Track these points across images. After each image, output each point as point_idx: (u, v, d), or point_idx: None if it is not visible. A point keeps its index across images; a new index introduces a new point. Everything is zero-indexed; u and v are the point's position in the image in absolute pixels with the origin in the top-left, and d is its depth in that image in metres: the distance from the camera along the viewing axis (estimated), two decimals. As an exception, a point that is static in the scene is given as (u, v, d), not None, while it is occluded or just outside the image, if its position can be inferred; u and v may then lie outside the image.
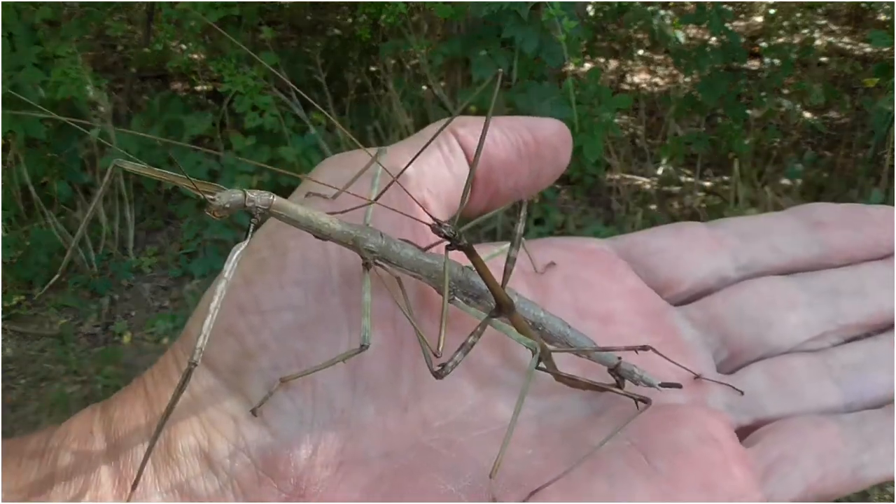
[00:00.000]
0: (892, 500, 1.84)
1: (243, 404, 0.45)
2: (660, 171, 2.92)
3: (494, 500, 0.43)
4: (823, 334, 0.55)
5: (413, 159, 0.51)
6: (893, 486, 1.97)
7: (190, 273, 2.61)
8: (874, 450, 0.49)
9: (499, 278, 0.50)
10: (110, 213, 2.70)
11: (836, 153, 2.98)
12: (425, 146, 0.52)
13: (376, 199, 0.50)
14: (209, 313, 0.40)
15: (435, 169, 0.54)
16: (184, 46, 3.25)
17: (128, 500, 0.42)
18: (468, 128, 0.56)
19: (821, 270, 0.58)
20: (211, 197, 0.43)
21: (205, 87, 3.27)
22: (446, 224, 0.46)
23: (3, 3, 2.37)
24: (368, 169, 0.52)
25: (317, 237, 0.47)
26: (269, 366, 0.46)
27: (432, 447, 0.47)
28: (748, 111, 2.91)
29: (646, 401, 0.49)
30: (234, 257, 0.42)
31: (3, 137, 2.54)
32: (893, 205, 0.59)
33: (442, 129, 0.54)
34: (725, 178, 2.90)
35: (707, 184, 2.93)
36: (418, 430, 0.48)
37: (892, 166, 2.51)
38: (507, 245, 0.53)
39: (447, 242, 0.47)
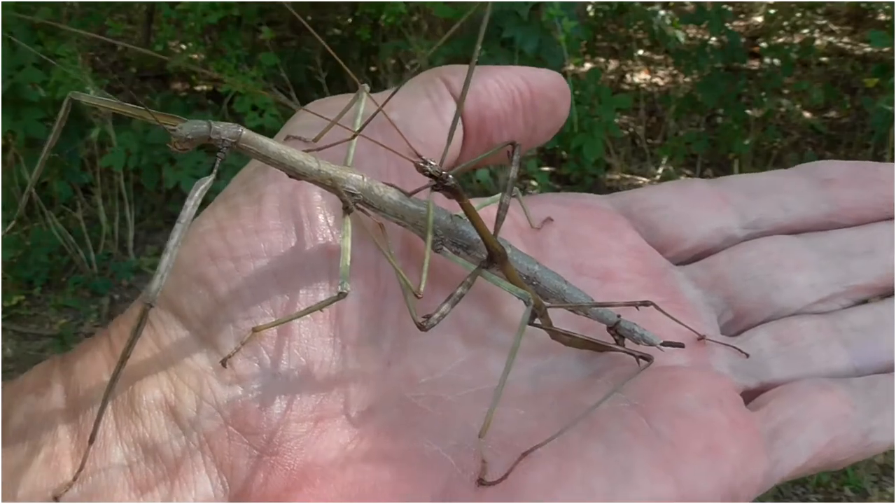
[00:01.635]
0: (892, 501, 1.83)
1: (213, 356, 0.42)
2: (660, 171, 2.92)
3: (483, 462, 0.41)
4: (832, 296, 0.53)
5: (398, 88, 0.47)
6: (893, 486, 1.96)
7: (190, 273, 2.61)
8: (883, 414, 0.47)
9: (492, 228, 0.47)
10: (110, 213, 2.70)
11: (836, 153, 2.98)
12: (408, 80, 0.48)
13: (358, 133, 0.46)
14: (167, 252, 0.37)
15: (423, 118, 0.50)
16: (184, 46, 3.25)
17: (85, 455, 0.39)
18: (459, 76, 0.53)
19: (829, 230, 0.56)
20: (172, 128, 0.40)
21: (205, 87, 3.27)
22: (431, 162, 0.43)
23: (2, 3, 2.37)
24: (350, 110, 0.49)
25: (290, 176, 0.44)
26: (242, 316, 0.43)
27: (417, 404, 0.44)
28: (748, 111, 2.90)
29: (647, 358, 0.47)
30: (197, 193, 0.39)
31: (3, 137, 2.54)
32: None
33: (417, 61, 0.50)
34: (725, 178, 2.90)
35: (707, 184, 2.93)
36: (402, 386, 0.45)
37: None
38: (500, 195, 0.51)
39: (433, 183, 0.44)
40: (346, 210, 0.44)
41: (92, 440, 0.39)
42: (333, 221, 0.46)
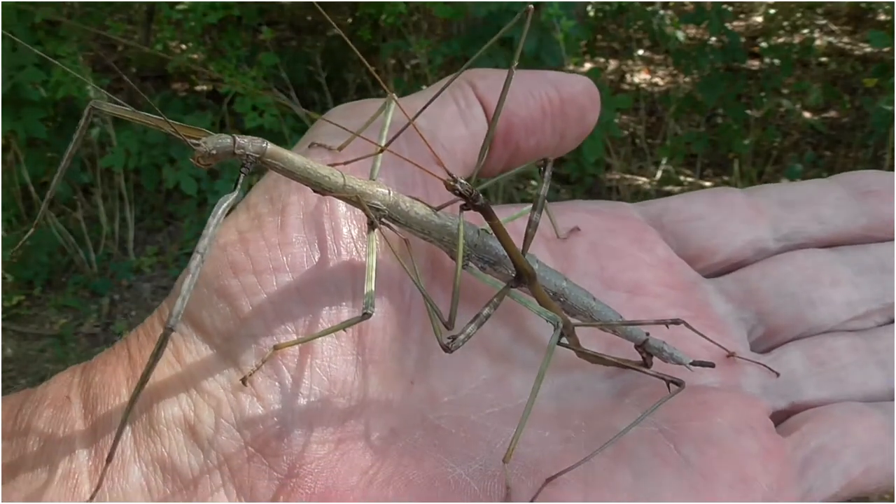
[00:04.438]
0: (892, 501, 1.83)
1: (234, 373, 0.41)
2: (660, 172, 2.92)
3: (508, 488, 0.40)
4: (868, 313, 0.52)
5: (428, 103, 0.45)
6: (894, 485, 1.96)
7: (190, 273, 2.61)
8: None
9: (519, 244, 0.46)
10: (110, 213, 2.70)
11: (836, 153, 2.98)
12: (440, 91, 0.47)
13: (385, 148, 0.45)
14: (190, 273, 0.36)
15: (450, 124, 0.49)
16: (184, 46, 3.25)
17: (102, 474, 0.38)
18: (487, 81, 0.51)
19: (867, 244, 0.54)
20: (196, 142, 0.39)
21: (205, 88, 3.27)
22: (462, 181, 0.42)
23: (3, 3, 2.37)
24: (377, 119, 0.48)
25: (315, 191, 0.43)
26: (264, 332, 0.42)
27: (441, 425, 0.43)
28: (748, 111, 2.90)
29: (678, 383, 0.45)
30: (220, 211, 0.37)
31: (3, 137, 2.54)
32: None
33: (458, 74, 0.48)
34: (725, 178, 2.90)
35: (707, 184, 2.93)
36: (425, 406, 0.44)
37: (893, 166, 2.51)
38: (528, 207, 0.49)
39: (462, 202, 0.43)
40: (371, 226, 0.43)
41: (110, 460, 0.38)
42: (358, 234, 0.45)
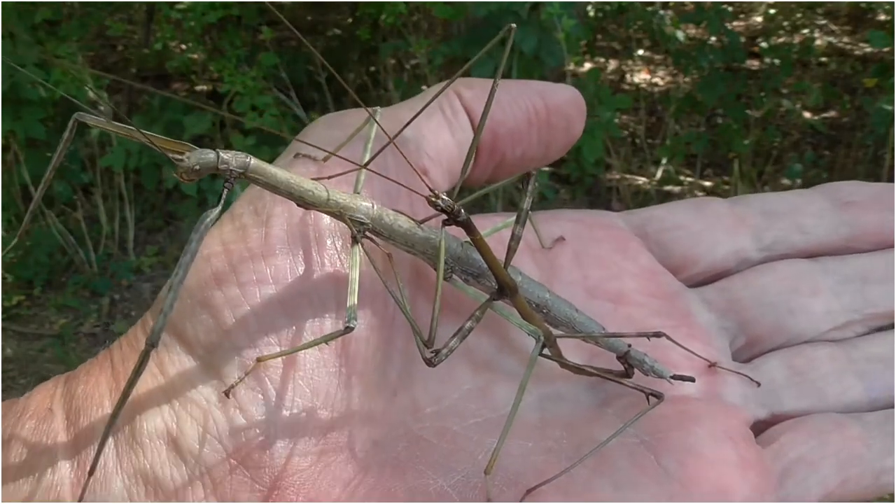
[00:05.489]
0: (893, 501, 1.82)
1: (216, 385, 0.41)
2: (660, 172, 2.92)
3: (489, 500, 0.40)
4: (848, 323, 0.52)
5: (410, 120, 0.45)
6: (894, 485, 1.96)
7: (190, 273, 2.60)
8: None
9: (501, 256, 0.46)
10: (110, 213, 2.70)
11: (836, 153, 2.98)
12: (425, 107, 0.46)
13: (367, 164, 0.45)
14: (172, 289, 0.36)
15: (436, 133, 0.50)
16: (184, 46, 3.25)
17: (84, 487, 0.38)
18: (474, 90, 0.51)
19: (848, 254, 0.54)
20: (178, 158, 0.38)
21: (205, 88, 3.27)
22: (444, 196, 0.42)
23: (3, 3, 2.37)
24: (362, 131, 0.48)
25: (299, 205, 0.43)
26: (247, 344, 0.42)
27: (423, 436, 0.44)
28: (748, 111, 2.90)
29: (658, 396, 0.46)
30: (203, 227, 0.37)
31: (3, 137, 2.54)
32: None
33: (445, 87, 0.49)
34: (725, 178, 2.90)
35: (707, 184, 2.93)
36: (408, 417, 0.45)
37: (892, 166, 2.51)
38: (512, 219, 0.50)
39: (444, 218, 0.43)
40: (354, 240, 0.43)
41: (92, 472, 0.38)
42: (342, 246, 0.45)
